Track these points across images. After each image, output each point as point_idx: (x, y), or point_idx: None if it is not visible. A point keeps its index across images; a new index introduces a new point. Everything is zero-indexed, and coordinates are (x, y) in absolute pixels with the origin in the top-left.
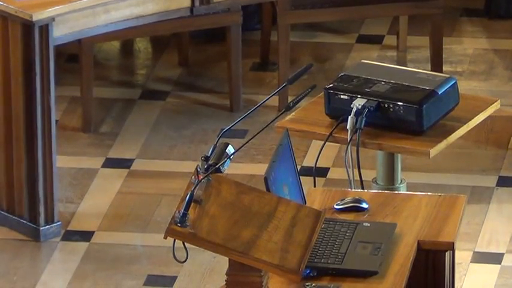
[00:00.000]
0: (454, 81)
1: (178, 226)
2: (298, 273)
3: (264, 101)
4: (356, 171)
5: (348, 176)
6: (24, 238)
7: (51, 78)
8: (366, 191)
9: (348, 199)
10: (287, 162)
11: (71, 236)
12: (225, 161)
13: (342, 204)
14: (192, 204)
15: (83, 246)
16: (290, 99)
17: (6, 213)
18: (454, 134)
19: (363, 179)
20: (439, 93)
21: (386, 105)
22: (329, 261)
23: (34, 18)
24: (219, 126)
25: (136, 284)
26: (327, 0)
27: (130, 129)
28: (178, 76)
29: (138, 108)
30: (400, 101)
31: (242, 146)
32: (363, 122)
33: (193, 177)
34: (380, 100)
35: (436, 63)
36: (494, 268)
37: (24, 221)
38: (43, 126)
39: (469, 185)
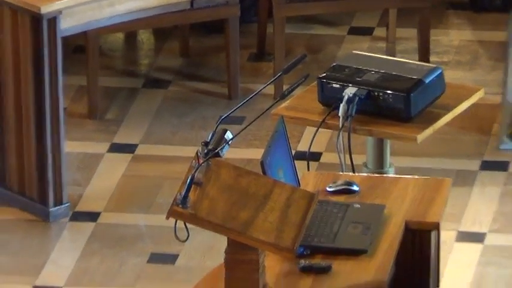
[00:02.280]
0: (440, 71)
1: (180, 207)
2: (293, 251)
3: (261, 90)
4: (347, 155)
5: (340, 160)
6: (35, 219)
7: (58, 68)
8: (356, 174)
9: (339, 182)
10: (282, 148)
11: (78, 216)
12: (224, 146)
13: (334, 187)
14: (193, 186)
15: (90, 226)
16: (285, 88)
17: (17, 195)
18: (440, 120)
19: (354, 163)
20: (426, 82)
21: (376, 94)
22: (321, 240)
23: (42, 11)
24: (218, 113)
25: (141, 261)
26: None
27: (134, 116)
28: (180, 66)
29: (141, 96)
30: (389, 90)
31: (240, 132)
32: (354, 109)
33: (193, 161)
34: (370, 89)
35: (424, 54)
36: (477, 247)
37: (35, 203)
38: (52, 113)
39: (454, 169)
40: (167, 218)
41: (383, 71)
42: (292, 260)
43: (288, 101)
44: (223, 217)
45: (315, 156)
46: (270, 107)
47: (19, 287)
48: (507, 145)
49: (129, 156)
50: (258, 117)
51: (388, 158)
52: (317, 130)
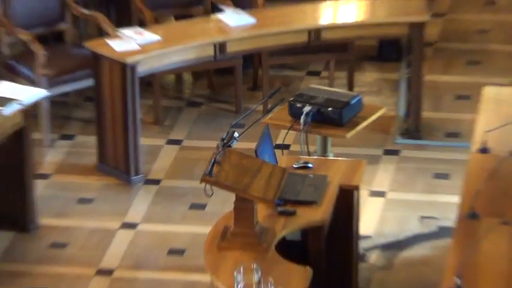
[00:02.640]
0: (359, 97)
1: (207, 176)
2: (273, 202)
3: (255, 108)
4: (305, 146)
5: (301, 149)
6: (123, 183)
7: (136, 95)
8: (310, 157)
9: (300, 162)
10: (267, 142)
11: (148, 182)
12: (233, 141)
13: (297, 165)
14: (215, 164)
15: (155, 188)
16: (269, 106)
17: (112, 169)
18: (360, 125)
19: (309, 151)
20: (352, 103)
21: (322, 110)
22: (290, 196)
23: (127, 62)
24: (229, 122)
25: (185, 208)
26: (290, 51)
27: (181, 123)
28: (207, 94)
29: (185, 112)
30: (330, 107)
31: (242, 133)
32: (309, 119)
33: (215, 150)
34: (319, 107)
35: (350, 87)
36: (381, 200)
37: (123, 173)
38: (133, 121)
39: (368, 154)
40: (200, 182)
41: (326, 97)
42: (273, 207)
43: (271, 114)
44: (233, 182)
45: (286, 147)
46: (260, 118)
47: (112, 223)
48: (399, 140)
49: (178, 146)
50: (253, 124)
51: (329, 148)
52: (287, 131)
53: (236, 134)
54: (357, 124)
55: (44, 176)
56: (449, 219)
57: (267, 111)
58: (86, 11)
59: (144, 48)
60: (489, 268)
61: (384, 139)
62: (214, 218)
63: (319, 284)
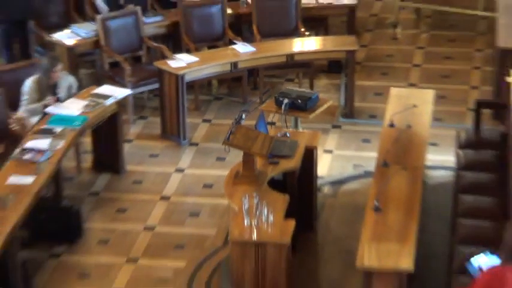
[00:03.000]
0: (317, 94)
1: (226, 141)
2: (266, 156)
3: (255, 101)
4: (285, 123)
5: (282, 125)
6: (176, 145)
7: (184, 93)
8: (288, 130)
9: (282, 132)
10: (262, 120)
11: (191, 144)
12: (241, 120)
13: (280, 134)
14: (231, 134)
15: (195, 147)
16: (263, 99)
17: (170, 135)
18: (317, 111)
19: (287, 126)
20: (312, 97)
21: (295, 102)
22: (276, 152)
23: (179, 73)
24: (240, 109)
25: (213, 160)
26: (275, 67)
27: (211, 110)
28: (227, 93)
29: (213, 103)
30: (299, 100)
31: (247, 115)
32: (287, 107)
33: (231, 125)
34: (293, 100)
35: (311, 88)
36: (330, 155)
37: (176, 137)
38: (182, 108)
39: (322, 128)
40: (222, 144)
41: (297, 94)
42: (266, 159)
43: (264, 104)
44: (241, 144)
45: (273, 124)
46: (257, 106)
47: (170, 169)
48: (340, 120)
49: (208, 123)
50: (253, 110)
51: (299, 124)
52: (274, 114)
53: (243, 116)
54: (315, 110)
55: (129, 141)
56: (371, 166)
57: (261, 102)
58: (154, 44)
59: (189, 65)
60: (394, 195)
61: (331, 119)
62: (230, 165)
63: (292, 206)
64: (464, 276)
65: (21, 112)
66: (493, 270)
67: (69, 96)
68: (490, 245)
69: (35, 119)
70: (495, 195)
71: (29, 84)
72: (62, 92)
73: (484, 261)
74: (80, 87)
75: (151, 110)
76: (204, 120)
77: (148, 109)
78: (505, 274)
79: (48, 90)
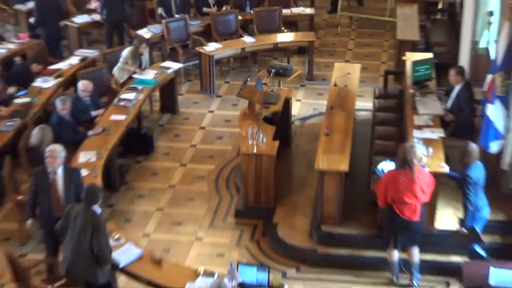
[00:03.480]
0: (292, 66)
1: (238, 94)
2: (262, 103)
3: (256, 71)
4: (273, 84)
5: (271, 85)
6: (209, 97)
7: (214, 66)
8: (275, 87)
9: (270, 89)
10: (259, 82)
11: (217, 96)
12: (247, 82)
13: (270, 90)
14: (241, 89)
15: (220, 98)
16: (260, 69)
17: (205, 91)
18: (292, 76)
19: (274, 85)
20: (289, 68)
21: (278, 70)
22: (267, 100)
23: (210, 54)
24: (246, 75)
25: (230, 105)
26: (267, 50)
27: (229, 76)
28: (239, 66)
29: (231, 72)
30: (281, 69)
31: (250, 79)
32: (274, 74)
33: (241, 85)
34: (278, 69)
35: (288, 63)
36: (299, 102)
37: (209, 92)
38: (212, 74)
39: (294, 86)
40: (236, 96)
41: (280, 66)
42: (261, 105)
43: (260, 72)
44: (247, 96)
45: (265, 84)
46: (256, 74)
47: (204, 111)
48: (305, 82)
49: (228, 84)
50: (253, 76)
51: (281, 84)
52: (266, 78)
53: (248, 80)
54: (290, 75)
55: (181, 94)
56: (323, 109)
57: (259, 72)
58: (196, 37)
59: (216, 49)
60: (337, 126)
61: (300, 81)
62: (240, 109)
63: (277, 132)
64: (377, 175)
65: (114, 69)
66: (390, 172)
67: (148, 63)
68: (392, 156)
69: (125, 76)
70: (396, 126)
71: (126, 52)
72: (144, 60)
73: (386, 166)
74: (152, 61)
75: (194, 76)
76: (225, 82)
77: (192, 75)
78: (397, 175)
79: (137, 58)
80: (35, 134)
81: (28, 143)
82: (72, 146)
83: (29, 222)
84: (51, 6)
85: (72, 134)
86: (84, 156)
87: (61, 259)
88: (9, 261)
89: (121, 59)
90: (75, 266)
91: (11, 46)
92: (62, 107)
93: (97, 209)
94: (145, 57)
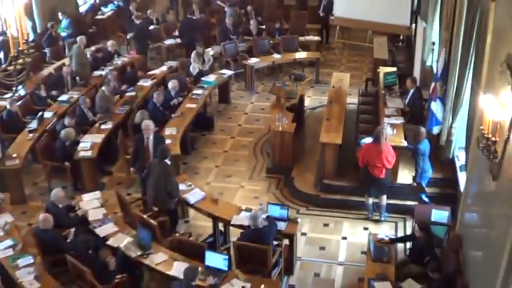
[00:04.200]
0: (305, 74)
1: (270, 91)
2: (285, 97)
3: (282, 77)
4: (292, 85)
5: (291, 86)
6: (250, 93)
7: (253, 74)
8: (293, 87)
9: (291, 89)
10: (284, 84)
11: (256, 92)
12: (276, 84)
13: (290, 89)
14: (272, 89)
15: (257, 94)
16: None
17: (248, 89)
18: (305, 80)
19: (293, 86)
20: (303, 75)
21: (296, 76)
22: (289, 95)
23: (252, 65)
24: (274, 80)
25: (264, 99)
26: (292, 64)
27: (264, 79)
28: (269, 74)
29: (265, 77)
30: (298, 76)
31: (278, 82)
32: (293, 78)
33: (272, 85)
34: (295, 76)
35: (302, 71)
36: (309, 98)
37: (251, 89)
38: (252, 78)
39: (306, 87)
40: (269, 92)
41: (297, 73)
42: (284, 99)
43: (284, 77)
44: (276, 92)
45: (287, 85)
46: (282, 78)
47: (247, 102)
48: (314, 84)
49: (263, 85)
50: (280, 80)
51: (298, 86)
52: (287, 82)
53: (276, 82)
54: (304, 80)
55: (232, 91)
56: (325, 102)
57: (283, 77)
58: (242, 54)
59: (256, 62)
60: (334, 114)
61: (310, 84)
62: (271, 101)
63: (294, 118)
64: (360, 146)
65: (190, 68)
66: (367, 144)
67: (209, 63)
68: (370, 134)
69: (195, 71)
70: (373, 115)
71: (193, 55)
72: (206, 58)
73: (366, 140)
74: (213, 65)
75: (241, 79)
76: (261, 83)
77: (240, 78)
78: (371, 146)
79: (200, 57)
80: (138, 116)
81: (133, 121)
82: (162, 124)
83: (132, 170)
84: (145, 35)
85: (162, 116)
86: (168, 131)
87: (146, 196)
88: (118, 198)
89: (191, 60)
90: (156, 199)
91: (124, 59)
92: (158, 98)
93: (167, 161)
94: (207, 56)
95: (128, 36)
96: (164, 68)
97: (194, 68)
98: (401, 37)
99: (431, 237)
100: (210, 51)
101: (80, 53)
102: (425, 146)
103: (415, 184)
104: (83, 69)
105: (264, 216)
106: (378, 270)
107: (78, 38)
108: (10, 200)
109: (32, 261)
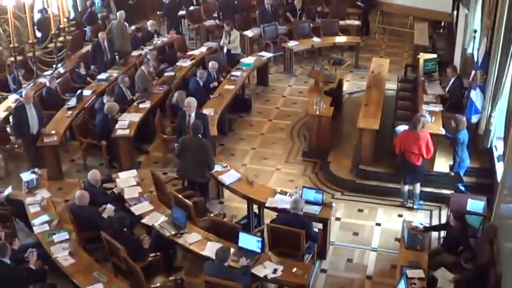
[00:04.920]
0: (344, 58)
1: (309, 74)
2: (323, 81)
3: (321, 60)
4: (331, 69)
5: (330, 70)
6: (289, 76)
7: (293, 57)
8: (333, 71)
9: (329, 72)
10: (322, 68)
11: (295, 75)
12: (314, 67)
13: (329, 73)
14: (310, 72)
15: (295, 77)
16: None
17: (287, 72)
18: (344, 64)
19: (332, 70)
20: (342, 59)
21: (335, 60)
22: (327, 79)
23: (291, 48)
24: (313, 64)
25: (302, 82)
26: (332, 48)
27: (303, 62)
28: (308, 57)
29: (305, 60)
30: (337, 60)
31: (316, 65)
32: (332, 62)
33: (311, 68)
34: (334, 60)
35: (342, 55)
36: (348, 83)
37: (289, 72)
38: (291, 60)
39: (345, 71)
40: (307, 75)
41: (336, 57)
42: (323, 82)
43: (323, 61)
44: (314, 76)
45: (326, 69)
46: (321, 61)
47: (285, 85)
48: (353, 69)
49: (301, 68)
50: (319, 63)
51: (337, 70)
52: (327, 66)
53: (315, 66)
54: (344, 64)
55: (270, 73)
56: (364, 87)
57: (322, 61)
58: (282, 36)
59: (295, 45)
60: (372, 99)
61: (349, 68)
62: (309, 84)
63: (332, 102)
64: (396, 133)
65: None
66: (404, 131)
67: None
68: (407, 121)
69: (224, 48)
70: (412, 101)
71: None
72: (233, 35)
73: (402, 127)
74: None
75: (280, 62)
76: (300, 67)
77: (278, 61)
78: (408, 133)
79: (227, 35)
80: (175, 96)
81: (171, 101)
82: (201, 104)
83: (176, 145)
84: (174, 13)
85: (203, 95)
86: (206, 111)
87: (178, 169)
88: (154, 177)
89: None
90: (193, 172)
91: (164, 39)
92: (200, 76)
93: (201, 136)
94: (233, 34)
95: (158, 13)
96: (203, 49)
97: (223, 45)
98: (442, 23)
99: (466, 227)
100: (250, 33)
101: (120, 26)
102: (464, 135)
103: (452, 173)
104: (124, 44)
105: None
106: (411, 258)
107: (117, 13)
108: (47, 176)
109: (67, 237)
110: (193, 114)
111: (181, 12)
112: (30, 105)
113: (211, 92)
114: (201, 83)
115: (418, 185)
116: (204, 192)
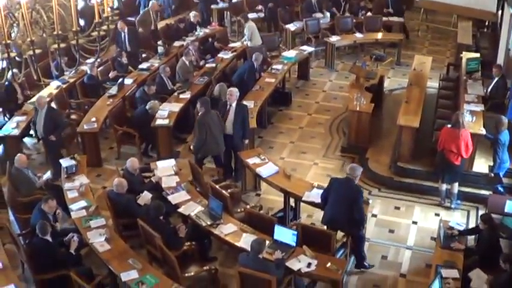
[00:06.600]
0: (385, 54)
1: (350, 70)
2: (364, 77)
3: (362, 56)
4: (373, 65)
5: (372, 66)
6: (329, 70)
7: (334, 51)
8: (374, 68)
9: (371, 69)
10: (364, 63)
11: (336, 70)
12: (356, 63)
13: (370, 69)
14: (352, 68)
15: (336, 72)
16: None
17: (328, 67)
18: (386, 61)
19: (373, 66)
20: (383, 55)
21: (377, 57)
22: (368, 76)
23: (333, 43)
24: (355, 59)
25: (343, 77)
26: (372, 44)
27: (345, 58)
28: (350, 52)
29: (346, 56)
30: (379, 56)
31: (357, 61)
32: (374, 58)
33: (352, 64)
34: (376, 56)
35: (384, 52)
36: (389, 79)
37: (331, 68)
38: (333, 55)
39: (386, 68)
40: (348, 71)
41: (378, 54)
42: (364, 78)
43: (364, 57)
44: (355, 71)
45: (367, 65)
46: (362, 57)
47: (325, 80)
48: (395, 66)
49: (342, 63)
50: (361, 59)
51: (378, 66)
52: (368, 62)
53: (357, 62)
54: (385, 61)
55: (311, 68)
56: (405, 84)
57: (364, 56)
58: (324, 31)
59: (337, 40)
60: (413, 97)
61: (391, 65)
62: (350, 80)
63: (373, 99)
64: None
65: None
66: (446, 127)
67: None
68: (448, 120)
69: (245, 43)
70: (453, 100)
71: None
72: (248, 30)
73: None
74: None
75: (321, 56)
76: (341, 62)
77: (320, 56)
78: (449, 130)
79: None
80: (216, 88)
81: (211, 94)
82: (251, 85)
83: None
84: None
85: (252, 80)
86: (246, 103)
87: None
88: (191, 167)
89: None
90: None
91: (206, 30)
92: (256, 58)
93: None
94: (247, 30)
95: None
96: (245, 42)
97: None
98: (486, 23)
99: (495, 230)
100: (292, 27)
101: (146, 12)
102: (505, 136)
103: (492, 174)
104: (145, 26)
105: None
106: (446, 258)
107: (150, 2)
108: (86, 163)
109: (104, 223)
110: (234, 104)
111: (223, 5)
112: (42, 112)
113: (254, 83)
114: (256, 66)
115: (456, 185)
116: (227, 166)
